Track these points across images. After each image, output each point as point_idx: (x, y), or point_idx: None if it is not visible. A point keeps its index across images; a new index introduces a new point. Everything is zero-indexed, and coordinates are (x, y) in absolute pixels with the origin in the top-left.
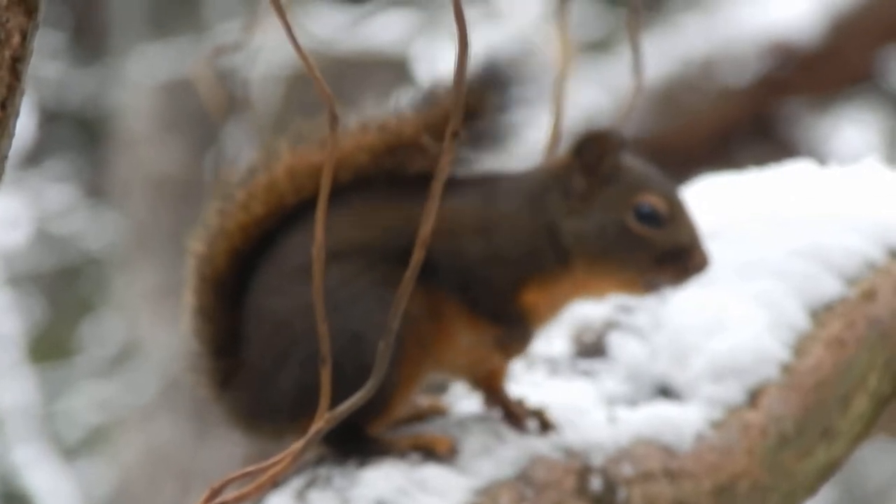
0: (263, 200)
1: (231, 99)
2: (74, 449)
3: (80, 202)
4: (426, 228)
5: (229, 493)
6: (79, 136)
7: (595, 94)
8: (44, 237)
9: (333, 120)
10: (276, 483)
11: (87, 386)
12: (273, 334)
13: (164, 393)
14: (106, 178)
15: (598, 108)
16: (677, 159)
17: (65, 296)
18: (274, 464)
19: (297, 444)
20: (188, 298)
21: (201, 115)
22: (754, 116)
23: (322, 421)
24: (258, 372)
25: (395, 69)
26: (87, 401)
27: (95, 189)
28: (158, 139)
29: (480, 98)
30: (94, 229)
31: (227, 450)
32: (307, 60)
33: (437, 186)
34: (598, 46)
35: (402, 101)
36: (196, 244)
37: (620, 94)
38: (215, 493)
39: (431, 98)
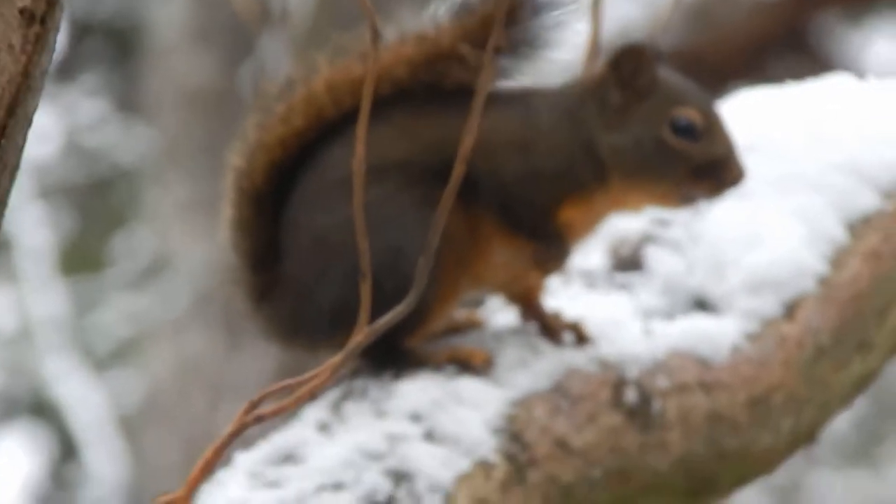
0: (303, 114)
1: (265, 9)
2: (105, 361)
3: (111, 115)
4: (466, 144)
5: (266, 406)
6: (110, 48)
7: (628, 6)
8: (75, 149)
9: (374, 35)
10: (313, 396)
11: (119, 298)
12: (312, 249)
13: (195, 306)
14: (138, 91)
15: (633, 21)
16: (712, 72)
17: (96, 209)
18: (313, 377)
19: (337, 358)
20: (226, 211)
21: (235, 26)
22: (788, 29)
23: (361, 334)
24: (297, 286)
25: None
26: (119, 313)
27: (127, 102)
28: (191, 51)
29: (515, 1)
30: (125, 142)
31: (259, 362)
32: None
33: (477, 103)
34: None
35: (440, 11)
36: (234, 158)
37: (654, 7)
38: (253, 405)
39: (468, 6)
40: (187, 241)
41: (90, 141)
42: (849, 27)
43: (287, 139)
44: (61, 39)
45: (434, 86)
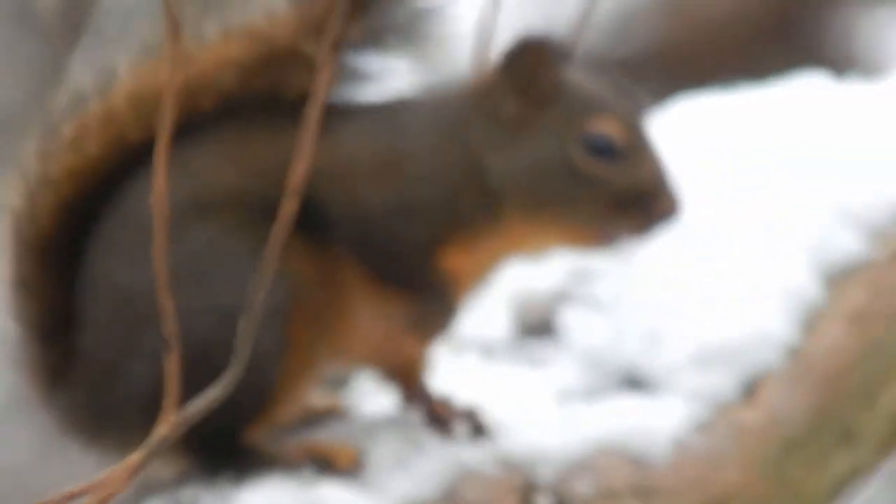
0: (99, 137)
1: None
2: None
3: None
4: (299, 169)
5: None
6: None
7: None
8: None
9: (173, 26)
10: None
11: None
12: (117, 313)
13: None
14: None
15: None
16: (688, 74)
17: None
18: (103, 482)
19: (134, 456)
20: (5, 269)
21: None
22: (782, 21)
23: (167, 424)
24: (99, 362)
25: None
26: None
27: None
28: None
29: None
30: None
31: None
32: None
33: (312, 111)
34: None
35: None
36: (12, 197)
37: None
38: None
39: None
40: None
41: None
42: (860, 17)
43: (80, 171)
44: None
45: (272, 96)
